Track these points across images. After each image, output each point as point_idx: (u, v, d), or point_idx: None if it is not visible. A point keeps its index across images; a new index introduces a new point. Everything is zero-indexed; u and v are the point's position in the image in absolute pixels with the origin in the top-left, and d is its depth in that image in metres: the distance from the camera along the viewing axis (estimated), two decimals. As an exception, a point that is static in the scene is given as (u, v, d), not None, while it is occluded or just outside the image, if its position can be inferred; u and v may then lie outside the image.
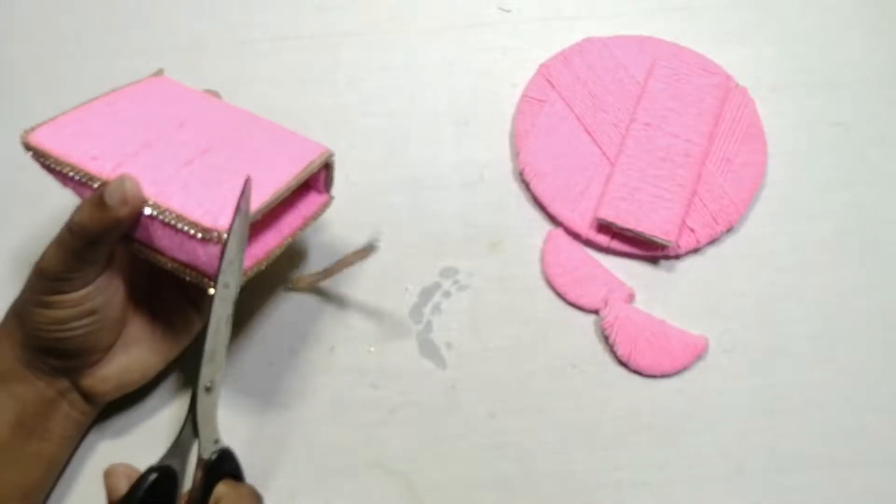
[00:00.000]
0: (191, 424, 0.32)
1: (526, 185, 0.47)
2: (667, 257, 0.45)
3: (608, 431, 0.41)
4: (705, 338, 0.43)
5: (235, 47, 0.51)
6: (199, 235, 0.32)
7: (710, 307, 0.44)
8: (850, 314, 0.44)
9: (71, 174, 0.34)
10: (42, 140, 0.35)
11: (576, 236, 0.46)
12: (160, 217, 0.33)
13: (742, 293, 0.45)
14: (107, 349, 0.37)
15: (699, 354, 0.43)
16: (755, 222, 0.47)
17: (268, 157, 0.37)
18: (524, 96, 0.49)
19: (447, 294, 0.45)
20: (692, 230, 0.45)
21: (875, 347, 0.43)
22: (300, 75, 0.50)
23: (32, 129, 0.35)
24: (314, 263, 0.45)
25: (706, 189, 0.46)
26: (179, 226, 0.33)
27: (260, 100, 0.49)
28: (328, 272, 0.41)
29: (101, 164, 0.34)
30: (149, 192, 0.33)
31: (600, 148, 0.47)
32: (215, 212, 0.33)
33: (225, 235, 0.32)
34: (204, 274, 0.34)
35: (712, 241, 0.46)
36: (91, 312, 0.35)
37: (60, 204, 0.46)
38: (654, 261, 0.46)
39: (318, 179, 0.40)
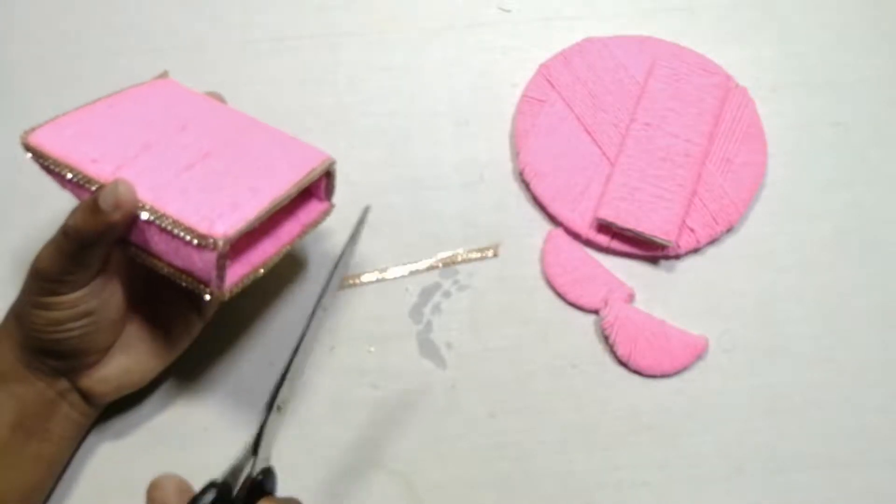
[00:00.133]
0: (254, 442, 0.32)
1: (526, 185, 0.47)
2: (667, 257, 0.45)
3: (608, 431, 0.41)
4: (705, 338, 0.43)
5: (235, 47, 0.51)
6: (196, 242, 0.32)
7: (710, 307, 0.44)
8: (850, 314, 0.44)
9: (70, 176, 0.34)
10: (42, 141, 0.35)
11: (576, 236, 0.46)
12: (157, 222, 0.33)
13: (742, 293, 0.45)
14: (105, 350, 0.37)
15: (699, 354, 0.43)
16: (755, 222, 0.47)
17: (269, 162, 0.37)
18: (524, 96, 0.49)
19: (447, 294, 0.45)
20: (692, 230, 0.45)
21: (875, 347, 0.44)
22: (300, 75, 0.50)
23: (32, 129, 0.35)
24: (315, 266, 0.45)
25: (706, 189, 0.46)
26: (176, 231, 0.32)
27: (260, 100, 0.49)
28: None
29: (101, 167, 0.34)
30: (146, 196, 0.33)
31: (600, 148, 0.47)
32: (213, 218, 0.32)
33: (221, 242, 0.32)
34: (199, 280, 0.33)
35: (712, 241, 0.46)
36: (87, 314, 0.35)
37: (60, 205, 0.46)
38: (654, 261, 0.46)
39: (318, 187, 0.40)
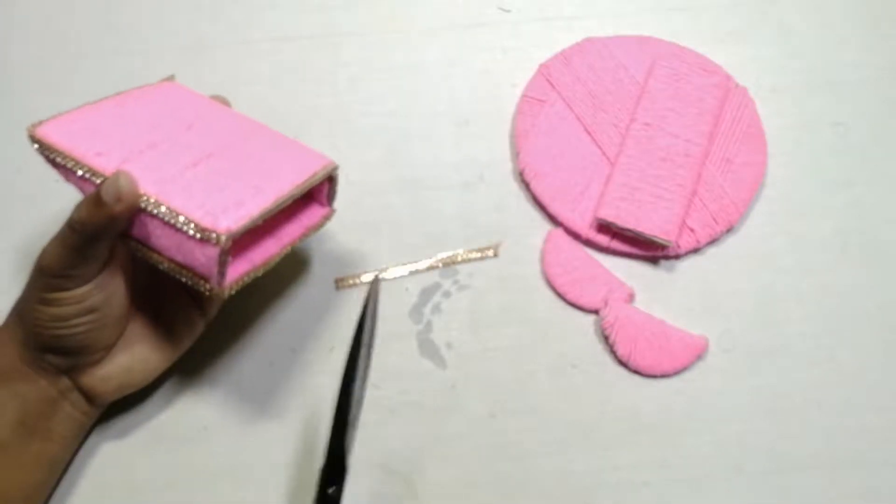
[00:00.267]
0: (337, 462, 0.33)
1: (526, 185, 0.47)
2: (667, 257, 0.45)
3: (608, 431, 0.41)
4: (705, 338, 0.43)
5: (235, 47, 0.51)
6: (198, 236, 0.32)
7: (710, 307, 0.44)
8: (850, 314, 0.44)
9: (74, 168, 0.34)
10: (48, 133, 0.35)
11: (576, 236, 0.46)
12: (159, 215, 0.33)
13: (742, 293, 0.45)
14: (108, 348, 0.37)
15: (699, 354, 0.43)
16: (755, 222, 0.47)
17: (273, 164, 0.37)
18: (524, 96, 0.49)
19: (447, 294, 0.45)
20: (692, 230, 0.45)
21: (875, 347, 0.43)
22: (300, 75, 0.50)
23: (40, 122, 0.35)
24: (315, 266, 0.45)
25: (706, 189, 0.46)
26: (179, 225, 0.32)
27: (260, 100, 0.49)
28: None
29: (105, 161, 0.34)
30: (150, 190, 0.33)
31: (600, 148, 0.47)
32: (216, 213, 0.33)
33: (224, 237, 0.32)
34: (200, 275, 0.33)
35: (712, 241, 0.46)
36: (92, 310, 0.35)
37: (59, 204, 0.46)
38: (654, 261, 0.46)
39: (320, 191, 0.40)
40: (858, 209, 0.47)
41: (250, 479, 0.40)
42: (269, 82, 0.50)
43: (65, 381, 0.37)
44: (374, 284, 0.35)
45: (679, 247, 0.45)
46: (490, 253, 0.45)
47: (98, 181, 0.34)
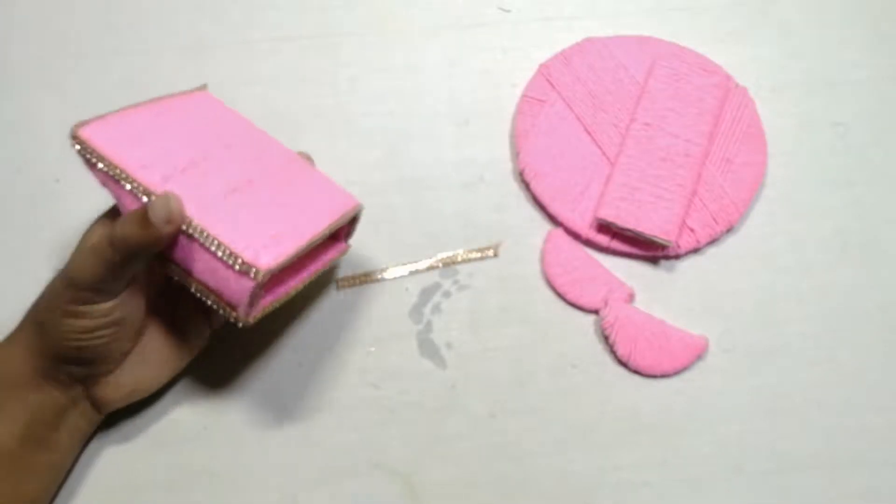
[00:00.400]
0: None
1: (526, 185, 0.47)
2: (667, 257, 0.45)
3: (608, 431, 0.41)
4: (705, 338, 0.43)
5: (235, 47, 0.51)
6: (237, 268, 0.33)
7: (710, 307, 0.44)
8: (850, 314, 0.44)
9: (117, 177, 0.34)
10: (92, 136, 0.34)
11: (576, 236, 0.46)
12: (201, 240, 0.33)
13: (742, 293, 0.45)
14: (123, 358, 0.37)
15: (699, 354, 0.43)
16: (755, 222, 0.47)
17: (307, 199, 0.38)
18: (524, 96, 0.49)
19: (447, 294, 0.45)
20: (692, 230, 0.45)
21: (875, 347, 0.43)
22: (300, 75, 0.50)
23: (84, 122, 0.35)
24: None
25: (706, 189, 0.46)
26: (219, 254, 0.33)
27: (260, 100, 0.49)
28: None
29: (150, 175, 0.34)
30: (194, 213, 0.33)
31: (600, 148, 0.47)
32: (257, 248, 0.33)
33: (262, 274, 0.32)
34: (228, 303, 0.34)
35: (712, 241, 0.46)
36: (117, 322, 0.35)
37: (58, 204, 0.46)
38: (654, 261, 0.46)
39: (341, 229, 0.40)
40: (858, 209, 0.47)
41: (250, 480, 0.40)
42: (269, 82, 0.50)
43: (76, 390, 0.37)
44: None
45: (679, 247, 0.45)
46: (490, 253, 0.45)
47: (140, 194, 0.33)
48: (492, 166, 0.48)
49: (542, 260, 0.45)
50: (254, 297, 0.34)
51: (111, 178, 0.34)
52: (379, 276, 0.45)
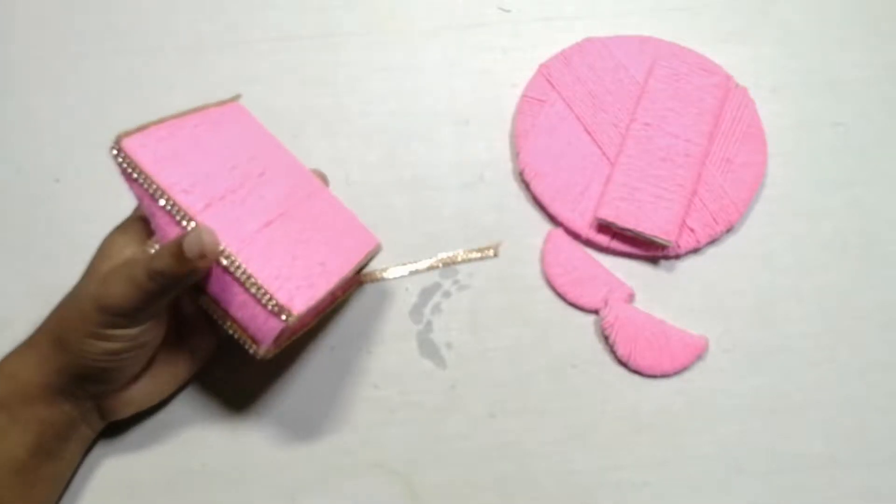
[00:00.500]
0: None
1: (526, 185, 0.47)
2: (667, 257, 0.45)
3: (608, 431, 0.41)
4: (705, 338, 0.43)
5: (235, 47, 0.51)
6: (270, 307, 0.33)
7: (710, 307, 0.44)
8: (850, 314, 0.44)
9: (158, 198, 0.34)
10: (135, 150, 0.34)
11: (576, 236, 0.46)
12: (236, 274, 0.33)
13: (742, 293, 0.45)
14: (139, 374, 0.38)
15: (699, 354, 0.43)
16: (755, 222, 0.47)
17: (333, 237, 0.38)
18: (524, 96, 0.49)
19: (447, 294, 0.45)
20: (692, 230, 0.45)
21: (875, 347, 0.44)
22: (300, 75, 0.50)
23: (127, 133, 0.34)
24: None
25: (706, 189, 0.46)
26: (253, 290, 0.33)
27: (260, 100, 0.49)
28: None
29: (192, 201, 0.34)
30: (232, 246, 0.33)
31: (600, 148, 0.47)
32: (291, 290, 0.33)
33: (294, 318, 0.33)
34: (251, 336, 0.34)
35: (712, 241, 0.46)
36: (141, 346, 0.35)
37: (58, 205, 0.46)
38: (654, 261, 0.46)
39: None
40: (858, 209, 0.47)
41: (250, 480, 0.40)
42: (269, 82, 0.50)
43: (87, 405, 0.37)
44: None
45: (679, 247, 0.45)
46: (490, 253, 0.45)
47: (179, 218, 0.33)
48: (492, 166, 0.48)
49: (542, 260, 0.45)
50: (279, 337, 0.34)
51: (149, 195, 0.34)
52: (379, 276, 0.45)
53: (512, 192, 0.47)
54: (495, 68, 0.51)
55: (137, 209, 0.38)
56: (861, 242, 0.46)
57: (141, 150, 0.34)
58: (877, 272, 0.45)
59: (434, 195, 0.47)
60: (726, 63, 0.49)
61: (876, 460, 0.41)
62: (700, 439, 0.41)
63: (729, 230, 0.46)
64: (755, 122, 0.48)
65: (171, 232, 0.33)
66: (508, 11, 0.53)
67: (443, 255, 0.45)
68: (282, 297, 0.33)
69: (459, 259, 0.45)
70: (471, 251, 0.45)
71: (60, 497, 0.39)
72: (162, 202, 0.33)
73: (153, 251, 0.34)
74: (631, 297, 0.44)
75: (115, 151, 0.34)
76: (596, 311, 0.44)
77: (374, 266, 0.45)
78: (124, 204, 0.39)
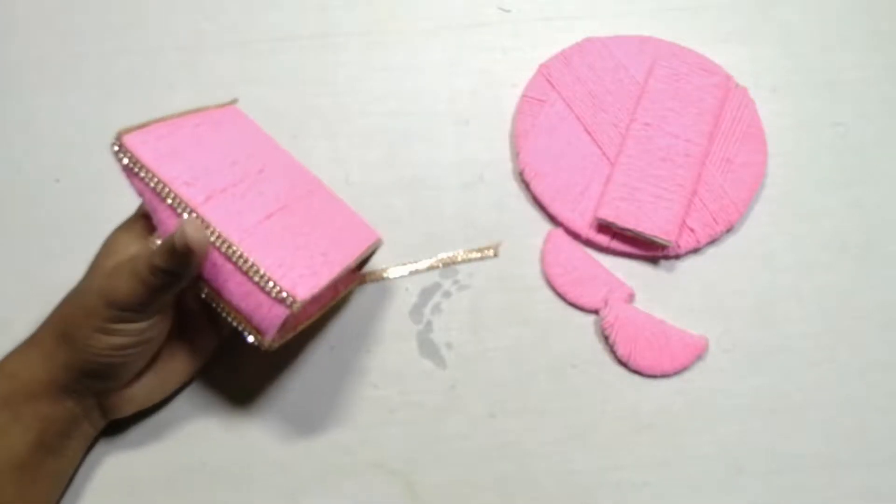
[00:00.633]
0: None
1: (526, 185, 0.47)
2: (667, 257, 0.45)
3: (608, 431, 0.41)
4: (705, 338, 0.43)
5: (235, 47, 0.51)
6: (274, 294, 0.33)
7: (710, 307, 0.44)
8: (850, 314, 0.44)
9: (159, 191, 0.34)
10: (137, 146, 0.34)
11: (576, 236, 0.46)
12: (239, 264, 0.33)
13: (742, 293, 0.45)
14: (142, 371, 0.38)
15: (699, 354, 0.43)
16: (755, 222, 0.47)
17: (335, 230, 0.38)
18: (524, 96, 0.49)
19: (447, 294, 0.45)
20: (692, 230, 0.45)
21: (875, 347, 0.43)
22: (300, 75, 0.50)
23: (128, 130, 0.34)
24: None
25: (706, 189, 0.46)
26: (256, 279, 0.33)
27: (260, 100, 0.49)
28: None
29: (193, 193, 0.34)
30: (234, 237, 0.34)
31: (600, 148, 0.47)
32: (294, 277, 0.34)
33: (298, 304, 0.33)
34: (255, 326, 0.34)
35: (712, 241, 0.46)
36: (147, 341, 0.35)
37: (58, 205, 0.46)
38: (654, 261, 0.46)
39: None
40: (858, 209, 0.47)
41: (250, 480, 0.40)
42: (269, 82, 0.50)
43: (90, 402, 0.37)
44: None
45: (679, 247, 0.45)
46: (490, 253, 0.46)
47: (181, 210, 0.33)
48: (492, 166, 0.48)
49: (542, 260, 0.45)
50: (283, 325, 0.34)
51: (151, 189, 0.34)
52: (379, 276, 0.45)
53: (512, 192, 0.47)
54: (495, 68, 0.51)
55: (141, 208, 0.39)
56: (861, 242, 0.46)
57: (142, 146, 0.34)
58: (877, 272, 0.45)
59: (434, 195, 0.47)
60: (726, 63, 0.49)
61: (876, 460, 0.41)
62: (700, 439, 0.41)
63: (729, 230, 0.46)
64: (755, 122, 0.48)
65: (173, 226, 0.34)
66: (508, 11, 0.53)
67: (443, 255, 0.45)
68: (286, 284, 0.33)
69: (459, 259, 0.45)
70: (471, 251, 0.45)
71: (62, 494, 0.39)
72: (163, 195, 0.34)
73: (155, 246, 0.34)
74: (631, 297, 0.44)
75: (116, 147, 0.34)
76: (596, 311, 0.44)
77: (374, 266, 0.45)
78: (124, 204, 0.39)
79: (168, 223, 0.34)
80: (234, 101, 0.41)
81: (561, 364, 0.43)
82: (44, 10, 0.52)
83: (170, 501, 0.40)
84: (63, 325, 0.35)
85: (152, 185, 0.34)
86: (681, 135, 0.46)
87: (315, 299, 0.38)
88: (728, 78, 0.49)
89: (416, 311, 0.44)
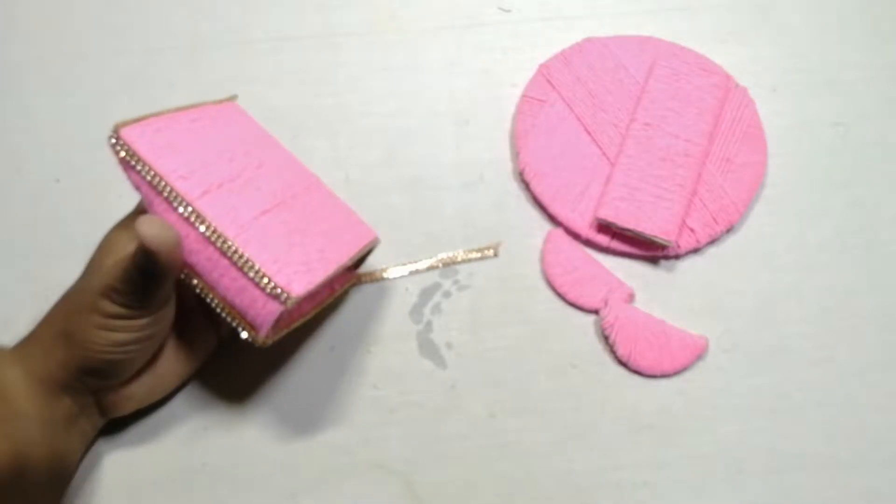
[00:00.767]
0: None
1: (526, 185, 0.47)
2: (667, 257, 0.45)
3: (608, 431, 0.41)
4: (705, 338, 0.43)
5: (235, 47, 0.51)
6: (268, 290, 0.33)
7: (710, 307, 0.44)
8: (850, 314, 0.44)
9: (155, 184, 0.34)
10: (134, 139, 0.34)
11: (576, 236, 0.46)
12: (234, 259, 0.33)
13: (742, 293, 0.45)
14: (142, 369, 0.38)
15: (699, 354, 0.43)
16: (755, 222, 0.47)
17: (331, 227, 0.38)
18: (524, 96, 0.49)
19: (447, 294, 0.45)
20: (692, 230, 0.45)
21: (875, 347, 0.43)
22: (300, 75, 0.50)
23: (125, 123, 0.34)
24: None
25: (706, 189, 0.46)
26: (251, 274, 0.33)
27: (260, 100, 0.49)
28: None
29: (189, 187, 0.34)
30: (230, 232, 0.33)
31: (600, 148, 0.47)
32: (289, 273, 0.33)
33: (292, 300, 0.33)
34: (249, 323, 0.34)
35: (712, 241, 0.46)
36: (149, 337, 0.35)
37: (57, 205, 0.46)
38: (654, 261, 0.46)
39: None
40: (858, 209, 0.47)
41: (250, 480, 0.40)
42: (269, 82, 0.50)
43: (88, 399, 0.37)
44: None
45: (679, 247, 0.45)
46: (490, 253, 0.46)
47: (176, 204, 0.33)
48: (492, 166, 0.48)
49: (542, 260, 0.45)
50: (277, 321, 0.34)
51: (147, 182, 0.34)
52: (379, 276, 0.45)
53: (512, 192, 0.47)
54: (495, 68, 0.51)
55: (139, 205, 0.39)
56: (861, 242, 0.46)
57: (139, 139, 0.34)
58: (877, 272, 0.45)
59: (434, 195, 0.47)
60: (726, 63, 0.49)
61: (876, 460, 0.41)
62: (700, 439, 0.41)
63: (729, 230, 0.46)
64: (755, 122, 0.48)
65: (169, 219, 0.33)
66: (508, 11, 0.53)
67: (443, 255, 0.45)
68: (280, 280, 0.33)
69: (459, 259, 0.45)
70: (471, 251, 0.45)
71: (62, 493, 0.39)
72: (159, 188, 0.33)
73: None
74: (631, 297, 0.44)
75: (113, 140, 0.34)
76: (596, 311, 0.44)
77: (374, 266, 0.45)
78: (124, 204, 0.39)
79: (163, 217, 0.34)
80: (233, 98, 0.41)
81: (561, 364, 0.43)
82: (44, 10, 0.52)
83: (170, 501, 0.40)
84: (63, 322, 0.35)
85: (148, 178, 0.33)
86: (681, 135, 0.46)
87: (310, 296, 0.38)
88: (728, 78, 0.49)
89: (416, 311, 0.44)
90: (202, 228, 0.33)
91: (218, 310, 0.34)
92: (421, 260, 0.45)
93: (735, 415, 0.42)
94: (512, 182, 0.48)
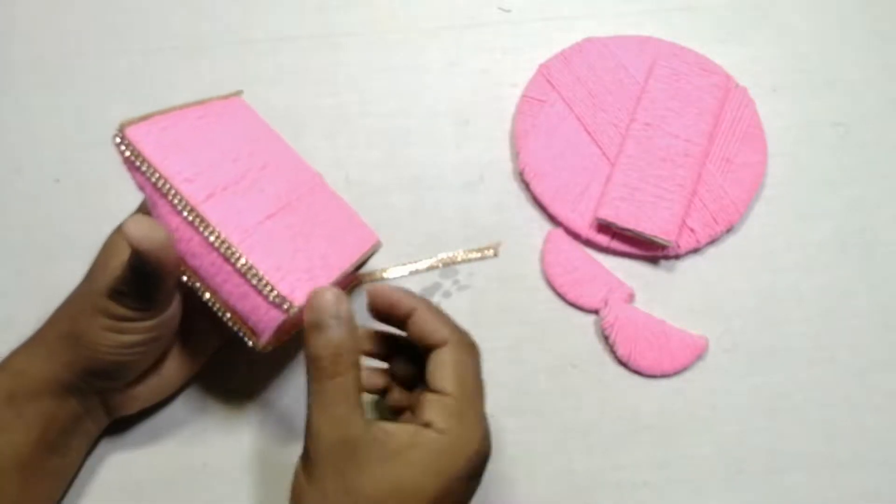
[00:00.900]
0: None
1: (526, 185, 0.47)
2: (667, 257, 0.45)
3: (608, 431, 0.41)
4: (705, 338, 0.43)
5: (235, 47, 0.51)
6: (271, 298, 0.33)
7: (710, 307, 0.44)
8: (850, 314, 0.44)
9: (161, 187, 0.33)
10: (139, 138, 0.34)
11: (576, 236, 0.46)
12: (237, 265, 0.33)
13: (742, 293, 0.45)
14: (146, 371, 0.38)
15: (699, 354, 0.43)
16: (755, 222, 0.47)
17: (335, 232, 0.38)
18: (524, 96, 0.49)
19: (447, 294, 0.45)
20: (692, 230, 0.45)
21: (875, 347, 0.44)
22: (300, 75, 0.50)
23: (131, 122, 0.34)
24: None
25: (706, 189, 0.46)
26: (254, 281, 0.33)
27: (260, 100, 0.49)
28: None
29: (195, 190, 0.34)
30: (234, 238, 0.33)
31: (600, 148, 0.47)
32: (292, 281, 0.33)
33: (295, 309, 0.33)
34: (250, 328, 0.34)
35: (712, 241, 0.46)
36: (155, 339, 0.35)
37: (59, 204, 0.46)
38: (654, 261, 0.46)
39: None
40: (858, 209, 0.47)
41: (250, 480, 0.40)
42: (269, 82, 0.50)
43: (93, 400, 0.37)
44: None
45: (679, 247, 0.45)
46: (490, 253, 0.45)
47: (180, 208, 0.33)
48: (492, 166, 0.48)
49: (542, 260, 0.45)
50: (279, 329, 0.34)
51: (152, 184, 0.33)
52: (379, 276, 0.45)
53: (512, 192, 0.47)
54: (495, 68, 0.51)
55: (142, 205, 0.38)
56: (861, 242, 0.46)
57: (144, 139, 0.34)
58: (877, 272, 0.45)
59: (434, 195, 0.47)
60: (726, 63, 0.49)
61: (876, 460, 0.41)
62: (700, 439, 0.41)
63: (729, 230, 0.46)
64: (755, 122, 0.48)
65: (172, 222, 0.33)
66: (508, 11, 0.53)
67: (443, 255, 0.45)
68: (283, 289, 0.33)
69: (459, 259, 0.45)
70: (471, 251, 0.45)
71: (64, 493, 0.39)
72: (164, 191, 0.33)
73: None
74: (631, 297, 0.44)
75: (118, 139, 0.33)
76: (596, 311, 0.44)
77: (374, 266, 0.45)
78: (124, 204, 0.39)
79: (168, 219, 0.33)
80: (239, 93, 0.41)
81: (561, 364, 0.43)
82: (43, 10, 0.52)
83: (171, 502, 0.40)
84: (70, 324, 0.35)
85: (153, 180, 0.33)
86: (681, 135, 0.46)
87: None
88: (728, 78, 0.49)
89: (416, 311, 0.44)
90: (206, 233, 0.33)
91: (220, 314, 0.34)
92: (421, 260, 0.45)
93: (735, 415, 0.42)
94: (512, 182, 0.48)
